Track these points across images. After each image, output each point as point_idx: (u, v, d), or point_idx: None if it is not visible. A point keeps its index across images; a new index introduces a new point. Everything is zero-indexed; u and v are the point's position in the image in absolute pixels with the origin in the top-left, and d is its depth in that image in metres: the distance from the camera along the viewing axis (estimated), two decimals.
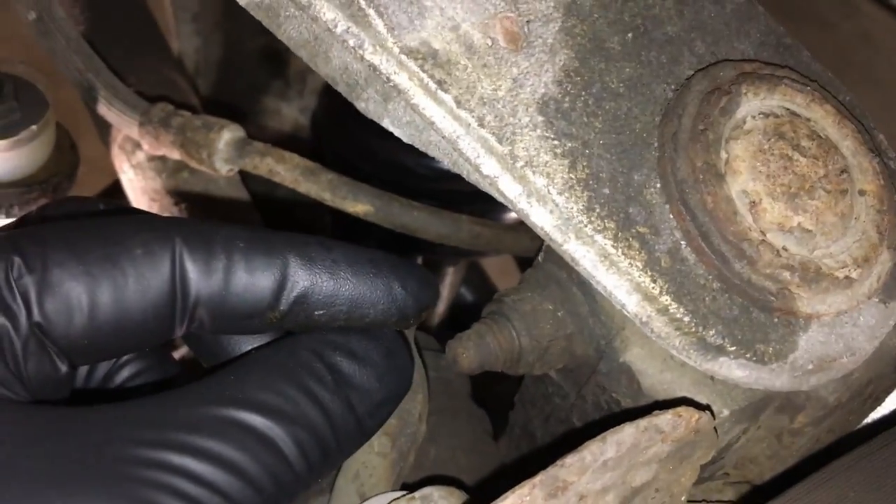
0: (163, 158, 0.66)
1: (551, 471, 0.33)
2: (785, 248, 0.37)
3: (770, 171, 0.37)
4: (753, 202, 0.37)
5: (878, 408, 0.51)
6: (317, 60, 0.39)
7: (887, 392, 0.50)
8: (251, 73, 0.95)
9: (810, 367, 0.38)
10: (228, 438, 0.28)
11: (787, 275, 0.37)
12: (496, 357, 0.45)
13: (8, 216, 0.56)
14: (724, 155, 0.37)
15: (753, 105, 0.39)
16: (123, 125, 0.58)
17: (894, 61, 2.15)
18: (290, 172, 0.52)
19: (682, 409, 0.36)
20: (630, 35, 0.40)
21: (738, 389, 0.41)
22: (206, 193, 0.67)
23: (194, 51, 0.97)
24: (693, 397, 0.41)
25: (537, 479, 0.32)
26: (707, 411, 0.38)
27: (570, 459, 0.33)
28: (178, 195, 0.66)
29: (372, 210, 0.50)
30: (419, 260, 0.81)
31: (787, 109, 0.39)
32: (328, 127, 0.78)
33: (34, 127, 0.54)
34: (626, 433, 0.34)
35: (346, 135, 0.72)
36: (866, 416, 0.49)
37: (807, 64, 0.43)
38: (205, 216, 0.67)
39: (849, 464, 0.39)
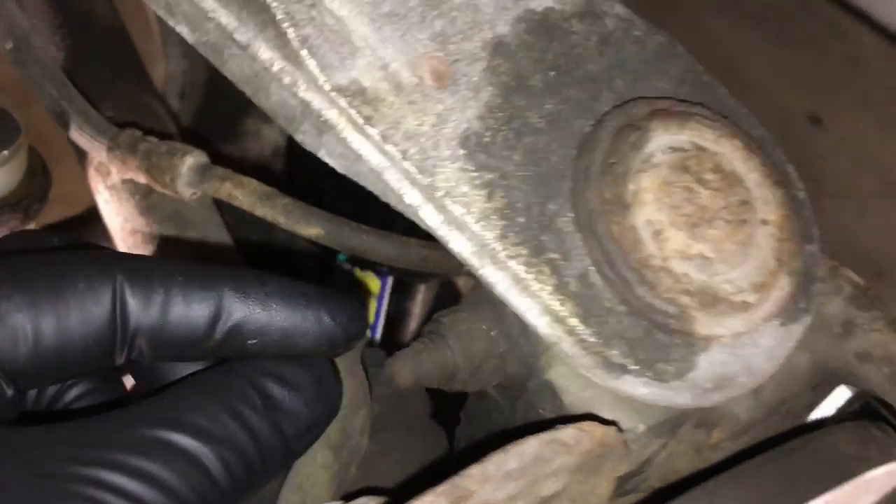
0: (135, 181, 0.69)
1: (455, 479, 0.36)
2: (686, 274, 0.40)
3: (673, 203, 0.40)
4: (657, 231, 0.40)
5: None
6: (259, 96, 0.42)
7: (808, 409, 0.52)
8: (235, 96, 0.98)
9: (709, 385, 0.40)
10: (158, 458, 0.32)
11: (686, 299, 0.39)
12: (431, 374, 0.47)
13: None
14: (631, 187, 0.40)
15: (663, 140, 0.42)
16: (93, 150, 0.61)
17: (884, 83, 2.18)
18: (247, 197, 0.55)
19: (585, 424, 0.39)
20: (553, 73, 0.43)
21: (655, 406, 0.44)
22: (178, 214, 0.70)
23: (181, 73, 1.00)
24: (612, 413, 0.44)
25: (440, 488, 0.35)
26: (612, 426, 0.41)
27: (474, 470, 0.36)
28: (151, 216, 0.69)
29: (323, 233, 0.53)
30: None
31: (696, 144, 0.42)
32: (298, 150, 0.81)
33: (5, 152, 0.57)
34: (529, 445, 0.37)
35: (313, 158, 0.75)
36: None
37: (722, 100, 0.46)
38: (177, 235, 0.70)
39: (758, 465, 0.42)
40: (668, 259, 0.40)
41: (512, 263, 0.39)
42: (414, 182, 0.39)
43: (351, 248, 0.54)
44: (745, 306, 0.41)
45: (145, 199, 0.71)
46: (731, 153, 0.43)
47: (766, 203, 0.43)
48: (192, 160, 0.57)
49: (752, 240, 0.41)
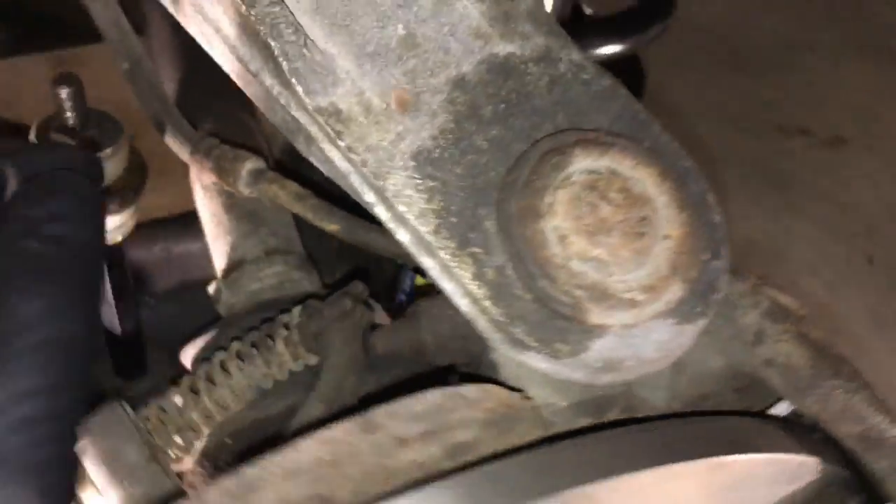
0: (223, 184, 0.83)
1: (367, 415, 0.46)
2: (583, 273, 0.49)
3: (579, 214, 0.49)
4: (562, 236, 0.49)
5: None
6: (268, 113, 0.54)
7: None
8: None
9: (599, 365, 0.49)
10: None
11: (579, 292, 0.48)
12: (403, 347, 0.58)
13: None
14: (547, 199, 0.50)
15: (583, 164, 0.51)
16: (180, 153, 0.75)
17: None
18: (286, 197, 0.67)
19: (488, 385, 0.49)
20: (503, 105, 0.53)
21: (577, 386, 0.52)
22: (255, 212, 0.83)
23: None
24: (539, 388, 0.53)
25: (356, 418, 0.46)
26: (518, 392, 0.50)
27: (385, 408, 0.46)
28: (233, 212, 0.83)
29: (339, 229, 0.64)
30: None
31: (611, 169, 0.51)
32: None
33: (109, 150, 0.72)
34: (432, 394, 0.47)
35: None
36: None
37: (655, 135, 0.55)
38: (252, 229, 0.84)
39: (642, 428, 0.50)
40: (568, 259, 0.49)
41: (441, 253, 0.49)
42: (370, 185, 0.50)
43: (362, 241, 0.65)
44: (633, 303, 0.49)
45: (230, 199, 0.85)
46: (645, 178, 0.51)
47: (670, 221, 0.51)
48: (250, 165, 0.70)
49: (649, 250, 0.50)
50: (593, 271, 0.49)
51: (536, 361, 0.49)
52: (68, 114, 0.71)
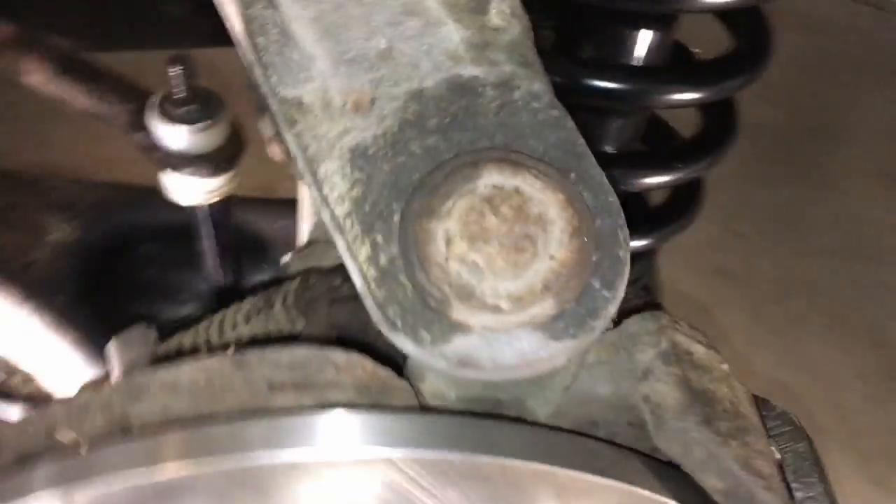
0: None
1: (238, 353, 0.54)
2: (457, 273, 0.54)
3: (468, 221, 0.55)
4: (449, 238, 0.54)
5: None
6: (264, 100, 0.64)
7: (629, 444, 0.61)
8: None
9: (457, 360, 0.54)
10: None
11: (448, 289, 0.54)
12: (352, 324, 0.66)
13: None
14: (448, 204, 0.55)
15: (492, 179, 0.56)
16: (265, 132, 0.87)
17: None
18: None
19: (356, 355, 0.55)
20: (448, 119, 0.60)
21: (468, 382, 0.58)
22: None
23: None
24: (436, 379, 0.59)
25: (228, 354, 0.54)
26: (389, 369, 0.56)
27: (257, 352, 0.54)
28: None
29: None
30: None
31: (516, 187, 0.56)
32: None
33: (209, 121, 0.85)
34: (299, 349, 0.54)
35: None
36: None
37: (585, 167, 0.58)
38: None
39: None
40: (447, 259, 0.54)
41: (348, 235, 0.56)
42: (308, 168, 0.58)
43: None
44: (497, 309, 0.53)
45: None
46: (549, 202, 0.56)
47: (560, 245, 0.55)
48: None
49: (528, 265, 0.54)
50: (467, 273, 0.54)
51: (404, 344, 0.55)
52: (179, 89, 0.85)
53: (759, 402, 0.66)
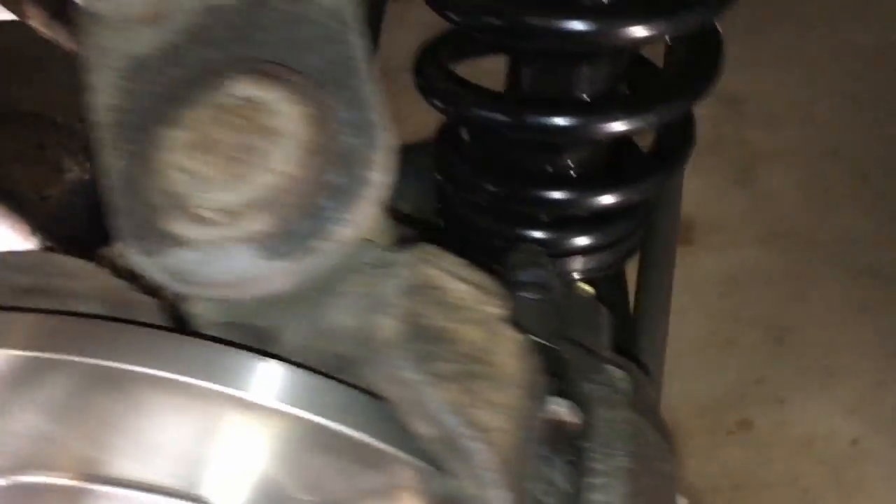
0: None
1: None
2: (173, 182, 0.52)
3: (202, 128, 0.52)
4: (174, 146, 0.52)
5: None
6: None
7: None
8: None
9: (173, 272, 0.52)
10: None
11: (163, 199, 0.52)
12: None
13: None
14: (183, 111, 0.53)
15: (236, 90, 0.53)
16: None
17: None
18: None
19: (90, 265, 0.54)
20: (232, 33, 0.57)
21: (238, 309, 0.55)
22: None
23: None
24: (205, 301, 0.57)
25: None
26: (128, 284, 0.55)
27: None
28: None
29: None
30: None
31: (253, 98, 0.52)
32: None
33: None
34: (34, 254, 0.54)
35: None
36: None
37: (355, 84, 0.54)
38: None
39: None
40: (168, 166, 0.52)
41: (105, 141, 0.55)
42: (90, 75, 0.58)
43: None
44: (210, 222, 0.51)
45: None
46: (289, 115, 0.52)
47: (286, 160, 0.51)
48: None
49: (247, 178, 0.51)
50: (183, 183, 0.52)
51: (135, 258, 0.53)
52: None
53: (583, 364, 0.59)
